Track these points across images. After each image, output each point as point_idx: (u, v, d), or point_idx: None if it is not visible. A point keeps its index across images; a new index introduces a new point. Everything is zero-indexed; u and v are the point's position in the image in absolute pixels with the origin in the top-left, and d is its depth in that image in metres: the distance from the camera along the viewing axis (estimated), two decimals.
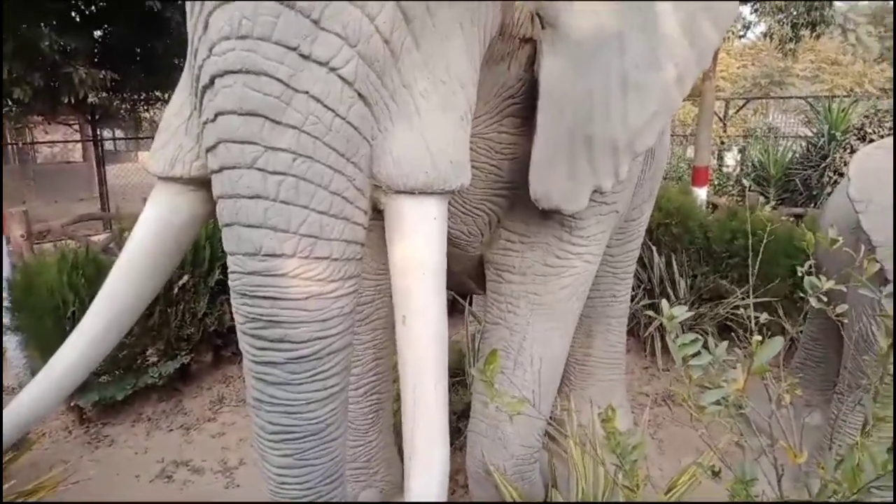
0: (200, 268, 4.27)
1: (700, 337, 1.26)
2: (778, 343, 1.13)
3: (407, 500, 1.44)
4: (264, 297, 1.40)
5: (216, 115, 1.34)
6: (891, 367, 1.18)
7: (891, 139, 2.79)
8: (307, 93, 1.32)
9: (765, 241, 2.14)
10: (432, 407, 1.46)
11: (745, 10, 8.70)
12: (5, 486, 2.44)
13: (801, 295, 4.45)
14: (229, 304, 4.43)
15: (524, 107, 2.08)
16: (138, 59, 10.39)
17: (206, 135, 1.39)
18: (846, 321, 2.55)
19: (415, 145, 1.46)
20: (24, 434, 1.89)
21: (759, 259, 2.16)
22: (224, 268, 4.48)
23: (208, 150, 1.39)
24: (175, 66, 11.00)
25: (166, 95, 12.61)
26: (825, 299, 1.51)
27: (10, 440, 1.65)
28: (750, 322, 1.65)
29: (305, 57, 1.31)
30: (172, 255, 1.68)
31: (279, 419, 1.50)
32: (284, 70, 1.30)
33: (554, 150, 1.99)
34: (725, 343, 1.31)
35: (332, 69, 1.33)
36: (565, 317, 2.44)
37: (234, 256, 1.42)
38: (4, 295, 3.63)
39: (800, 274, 1.61)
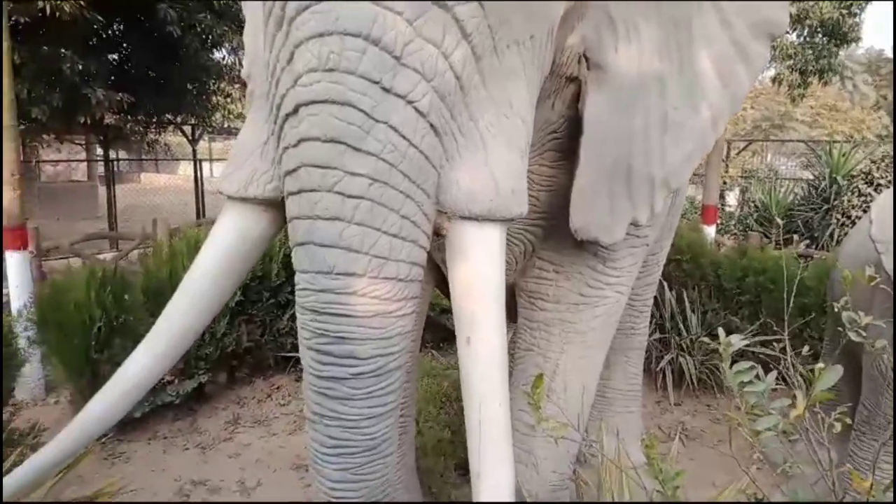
0: None
1: (755, 365, 1.33)
2: (838, 371, 1.20)
3: None
4: (334, 314, 1.47)
5: (299, 141, 1.42)
6: None
7: None
8: (387, 123, 1.40)
9: (797, 280, 2.21)
10: (498, 426, 1.51)
11: None
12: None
13: (811, 335, 4.47)
14: (247, 325, 4.54)
15: (564, 142, 2.17)
16: (153, 83, 10.58)
17: (287, 159, 1.46)
18: (884, 356, 2.63)
19: (480, 175, 1.54)
20: (90, 444, 1.92)
21: (792, 298, 2.21)
22: (244, 289, 4.55)
23: (288, 173, 1.47)
24: (188, 91, 11.20)
25: (178, 119, 12.80)
26: (864, 334, 1.57)
27: (76, 452, 1.70)
28: (788, 356, 1.72)
29: (387, 90, 1.40)
30: (238, 274, 1.75)
31: (338, 433, 1.55)
32: (367, 101, 1.39)
33: (595, 183, 2.08)
34: (774, 372, 1.38)
35: (410, 102, 1.42)
36: (597, 346, 2.50)
37: (307, 274, 1.49)
38: (32, 309, 3.67)
39: (835, 309, 1.68)
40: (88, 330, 3.61)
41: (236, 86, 12.12)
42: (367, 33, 1.37)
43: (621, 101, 2.01)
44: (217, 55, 11.67)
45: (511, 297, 2.68)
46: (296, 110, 1.42)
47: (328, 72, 1.38)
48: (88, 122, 9.19)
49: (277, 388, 4.73)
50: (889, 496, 1.18)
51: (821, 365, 1.20)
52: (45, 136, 11.71)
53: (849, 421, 1.34)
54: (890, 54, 31.35)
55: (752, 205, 10.69)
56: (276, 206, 1.61)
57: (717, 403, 4.69)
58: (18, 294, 4.41)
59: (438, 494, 3.26)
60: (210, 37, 9.73)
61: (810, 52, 7.81)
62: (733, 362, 1.38)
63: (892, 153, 8.95)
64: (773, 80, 8.78)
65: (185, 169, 20.03)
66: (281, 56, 1.46)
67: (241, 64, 10.28)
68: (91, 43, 9.37)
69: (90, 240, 9.77)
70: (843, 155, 9.88)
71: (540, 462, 2.44)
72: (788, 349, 1.78)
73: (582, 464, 3.42)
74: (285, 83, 1.45)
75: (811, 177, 10.81)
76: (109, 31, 9.89)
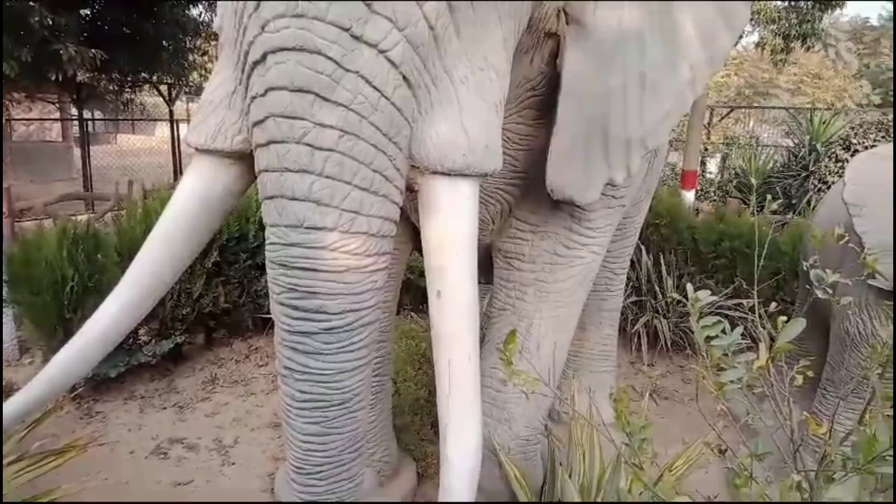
0: None
1: (722, 320, 1.34)
2: (801, 324, 1.22)
3: (443, 468, 1.50)
4: (303, 269, 1.45)
5: (267, 91, 1.39)
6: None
7: (886, 147, 2.93)
8: (357, 72, 1.37)
9: (768, 242, 2.23)
10: (466, 379, 1.52)
11: None
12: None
13: (784, 297, 4.53)
14: (224, 286, 4.51)
15: (543, 99, 2.15)
16: (127, 40, 10.25)
17: (255, 109, 1.43)
18: (849, 313, 2.73)
19: (453, 129, 1.52)
20: (56, 397, 1.90)
21: (761, 261, 2.23)
22: (221, 249, 4.50)
23: (255, 124, 1.43)
24: (164, 48, 10.88)
25: (154, 78, 12.47)
26: (830, 291, 1.60)
27: (44, 403, 1.68)
28: (756, 313, 1.74)
29: (357, 38, 1.36)
30: (207, 227, 1.72)
31: (309, 388, 1.56)
32: (337, 49, 1.35)
33: (571, 142, 2.06)
34: (740, 327, 1.40)
35: (382, 51, 1.38)
36: (571, 305, 2.52)
37: (276, 228, 1.47)
38: (2, 268, 3.60)
39: (805, 269, 1.70)
40: (61, 289, 3.56)
41: (213, 43, 11.81)
42: None
43: (600, 57, 1.98)
44: (194, 11, 11.35)
45: (488, 258, 2.68)
46: (263, 58, 1.38)
47: (296, 17, 1.34)
48: (60, 79, 8.90)
49: (255, 349, 4.73)
50: (848, 447, 1.22)
51: (784, 318, 1.22)
52: (14, 93, 11.35)
53: (811, 374, 1.36)
54: (874, 22, 31.40)
55: (733, 171, 10.75)
56: (245, 159, 1.58)
57: (690, 365, 4.78)
58: None
59: (414, 451, 3.31)
60: None
61: (794, 16, 7.75)
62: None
63: (870, 121, 9.02)
64: (757, 45, 8.72)
65: (163, 131, 19.56)
66: (248, 2, 1.42)
67: None
68: None
69: (64, 200, 9.61)
70: (824, 122, 9.93)
71: (512, 417, 2.47)
72: (756, 307, 1.81)
73: (555, 421, 3.49)
74: (252, 30, 1.40)
75: (792, 144, 10.87)
76: None
